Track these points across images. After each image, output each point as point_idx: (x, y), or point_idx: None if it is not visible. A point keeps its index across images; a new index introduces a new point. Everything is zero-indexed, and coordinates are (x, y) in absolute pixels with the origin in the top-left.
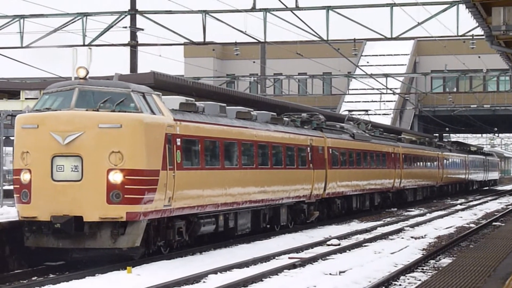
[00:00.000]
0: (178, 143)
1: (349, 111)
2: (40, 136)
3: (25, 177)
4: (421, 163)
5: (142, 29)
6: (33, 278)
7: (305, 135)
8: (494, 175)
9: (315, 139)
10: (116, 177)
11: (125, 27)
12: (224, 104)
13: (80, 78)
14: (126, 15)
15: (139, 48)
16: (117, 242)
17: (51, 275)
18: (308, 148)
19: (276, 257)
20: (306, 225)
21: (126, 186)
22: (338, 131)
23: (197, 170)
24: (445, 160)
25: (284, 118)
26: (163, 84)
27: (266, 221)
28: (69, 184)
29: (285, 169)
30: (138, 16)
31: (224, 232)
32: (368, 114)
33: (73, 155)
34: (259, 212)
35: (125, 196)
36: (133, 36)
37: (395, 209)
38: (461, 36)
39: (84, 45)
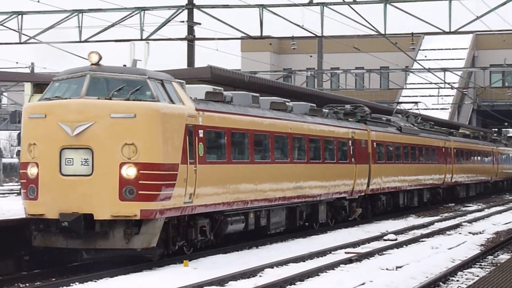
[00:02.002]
0: (201, 135)
1: (398, 103)
2: (48, 126)
3: (32, 171)
4: (475, 157)
5: (199, 24)
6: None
7: (346, 128)
8: None
9: (358, 132)
10: (130, 172)
11: (182, 22)
12: (257, 94)
13: (92, 64)
14: (183, 10)
15: (196, 42)
16: (130, 243)
17: (103, 272)
18: (350, 142)
19: (333, 252)
20: (363, 220)
21: (140, 182)
22: (383, 124)
23: (222, 164)
24: (500, 155)
25: (324, 110)
26: (219, 78)
27: (303, 219)
28: (78, 179)
29: (323, 164)
30: (195, 11)
31: (256, 230)
32: (418, 108)
33: (83, 147)
34: (295, 209)
35: (139, 192)
36: (190, 30)
37: (453, 204)
38: None
39: (141, 40)
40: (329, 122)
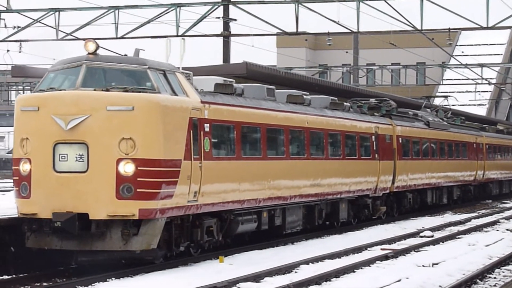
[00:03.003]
0: (207, 129)
1: (427, 97)
2: (41, 120)
3: (24, 167)
4: (509, 154)
5: (235, 20)
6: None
7: (369, 122)
8: None
9: (382, 126)
10: (127, 168)
11: (218, 18)
12: (273, 87)
13: (89, 53)
14: (219, 6)
15: (231, 38)
16: (129, 244)
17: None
18: (373, 137)
19: (368, 248)
20: (401, 216)
21: (139, 179)
22: (410, 118)
23: (231, 160)
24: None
25: (346, 104)
26: (255, 74)
27: (322, 217)
28: (73, 176)
29: (344, 160)
30: (231, 7)
31: (270, 230)
32: (448, 104)
33: (77, 142)
34: (313, 207)
35: (138, 190)
36: (226, 26)
37: (490, 201)
38: None
39: (177, 36)
40: (350, 116)
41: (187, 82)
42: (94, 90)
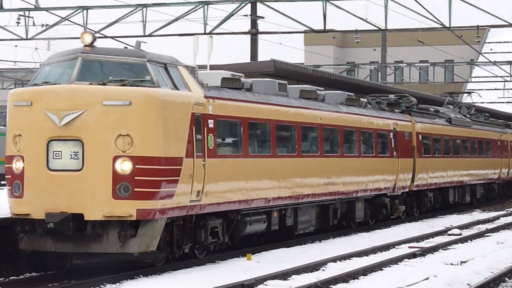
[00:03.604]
0: (211, 125)
1: (450, 93)
2: (34, 115)
3: (17, 165)
4: None
5: (263, 17)
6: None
7: (387, 119)
8: None
9: (401, 123)
10: (124, 166)
11: (246, 16)
12: (285, 82)
13: (85, 45)
14: (246, 3)
15: (259, 36)
16: (126, 246)
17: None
18: (391, 134)
19: (396, 246)
20: (429, 214)
21: (136, 178)
22: (431, 115)
23: (237, 158)
24: None
25: (363, 100)
26: (283, 72)
27: (337, 217)
28: (67, 174)
29: (360, 158)
30: (258, 4)
31: (281, 231)
32: (473, 102)
33: (72, 139)
34: (328, 207)
35: (135, 189)
36: (254, 24)
37: None
38: None
39: (205, 34)
40: (367, 113)
41: (190, 76)
42: (90, 84)
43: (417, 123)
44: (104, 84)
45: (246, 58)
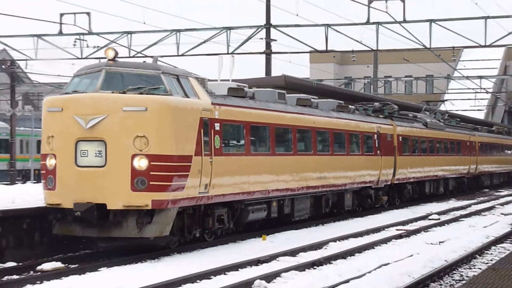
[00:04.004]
0: (217, 128)
1: (426, 102)
2: (64, 119)
3: (50, 162)
4: (498, 150)
5: (275, 40)
6: None
7: (372, 123)
8: None
9: (384, 127)
10: (141, 163)
11: (261, 38)
12: (284, 91)
13: (109, 60)
14: (262, 29)
15: (272, 55)
16: (143, 232)
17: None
18: (375, 136)
19: (385, 229)
20: (413, 203)
21: (151, 173)
22: (410, 119)
23: (241, 156)
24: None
25: (351, 107)
26: (292, 85)
27: (328, 206)
28: (92, 170)
29: (348, 156)
30: (272, 29)
31: (279, 218)
32: (447, 110)
33: (96, 139)
34: (320, 197)
35: (151, 183)
36: (268, 45)
37: (487, 190)
38: None
39: (227, 54)
40: (354, 118)
41: (200, 85)
42: (112, 92)
43: (397, 126)
44: (124, 92)
45: (262, 74)
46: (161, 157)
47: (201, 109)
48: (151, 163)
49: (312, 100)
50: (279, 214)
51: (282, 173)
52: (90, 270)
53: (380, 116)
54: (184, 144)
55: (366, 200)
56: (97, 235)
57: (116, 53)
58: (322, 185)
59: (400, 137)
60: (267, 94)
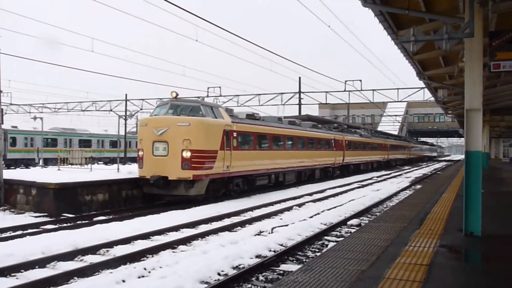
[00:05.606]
0: (235, 135)
1: (364, 124)
2: (147, 130)
3: (140, 153)
4: (369, 148)
5: (303, 98)
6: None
7: (330, 134)
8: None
9: (337, 136)
10: (187, 154)
11: (297, 97)
12: (281, 116)
13: (173, 98)
14: (297, 93)
15: (302, 106)
16: (188, 192)
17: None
18: (333, 141)
19: (352, 184)
20: (333, 178)
21: (193, 159)
22: (352, 132)
23: (250, 150)
24: (391, 146)
25: (320, 125)
26: (309, 118)
27: (306, 176)
28: (161, 158)
29: (317, 150)
30: (302, 94)
31: (276, 183)
32: (373, 129)
33: (163, 141)
34: (301, 172)
35: (192, 165)
36: (299, 100)
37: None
38: None
39: (281, 104)
40: (322, 131)
41: (225, 112)
42: (172, 115)
43: (345, 136)
44: (178, 115)
45: (296, 113)
46: (198, 151)
47: (224, 124)
48: (193, 154)
49: (296, 121)
50: (275, 181)
51: (276, 159)
52: (162, 211)
53: (336, 130)
54: (212, 143)
55: (327, 173)
56: (164, 193)
57: (177, 94)
58: (302, 166)
59: (347, 141)
60: (271, 118)
